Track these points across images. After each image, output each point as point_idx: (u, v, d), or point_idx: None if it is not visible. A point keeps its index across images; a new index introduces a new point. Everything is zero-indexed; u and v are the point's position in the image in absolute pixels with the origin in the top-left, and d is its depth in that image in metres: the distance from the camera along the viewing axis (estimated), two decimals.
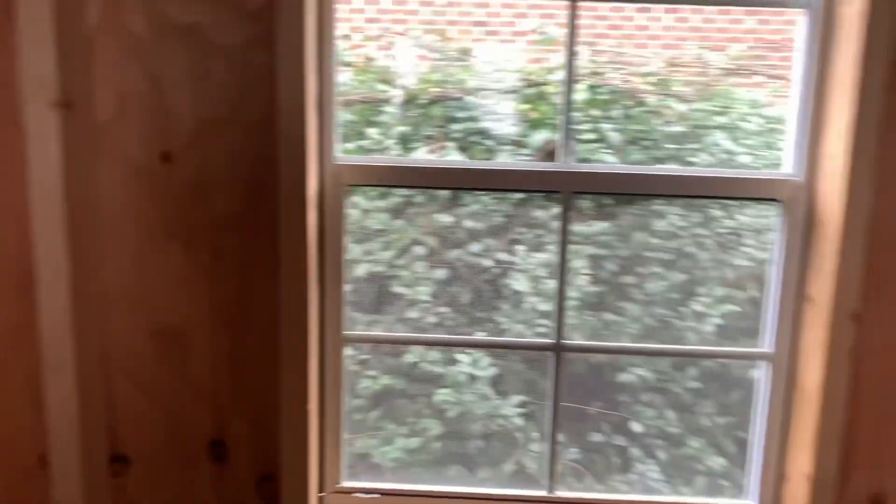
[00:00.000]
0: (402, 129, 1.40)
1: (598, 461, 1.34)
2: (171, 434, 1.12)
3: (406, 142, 1.38)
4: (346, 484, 1.22)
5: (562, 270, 1.17)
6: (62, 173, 0.96)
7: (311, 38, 1.01)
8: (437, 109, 1.47)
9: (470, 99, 1.41)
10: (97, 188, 1.03)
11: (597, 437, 1.33)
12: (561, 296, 1.18)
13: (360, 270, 1.45)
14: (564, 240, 1.16)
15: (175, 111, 1.04)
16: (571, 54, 1.11)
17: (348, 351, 1.22)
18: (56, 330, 0.99)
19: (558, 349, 1.20)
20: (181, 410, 1.11)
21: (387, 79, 1.52)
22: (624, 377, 1.31)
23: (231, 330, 1.09)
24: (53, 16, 0.93)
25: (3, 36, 0.99)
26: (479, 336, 1.29)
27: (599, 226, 1.28)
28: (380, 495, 1.23)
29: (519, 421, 1.34)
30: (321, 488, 1.20)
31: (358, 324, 1.29)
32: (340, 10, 1.11)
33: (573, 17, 1.11)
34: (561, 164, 1.16)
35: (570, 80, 1.13)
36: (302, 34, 0.98)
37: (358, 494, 1.21)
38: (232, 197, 1.06)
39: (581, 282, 1.28)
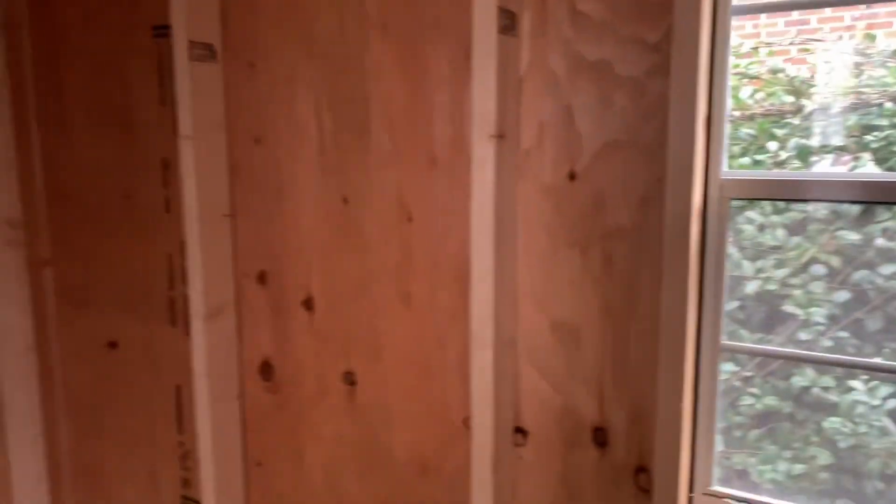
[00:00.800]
0: (806, 140, 1.37)
1: None
2: (562, 415, 1.30)
3: (810, 153, 1.34)
4: (717, 489, 1.25)
5: None
6: (493, 191, 1.21)
7: (703, 61, 1.08)
8: (852, 118, 1.39)
9: (892, 105, 1.30)
10: (517, 203, 1.27)
11: None
12: None
13: (751, 287, 1.44)
14: None
15: (581, 136, 1.22)
16: None
17: (730, 366, 1.24)
18: (482, 316, 1.25)
19: None
20: (571, 395, 1.28)
21: (795, 89, 1.49)
22: None
23: (617, 329, 1.22)
24: (497, 63, 1.18)
25: (463, 81, 1.29)
26: (881, 361, 1.18)
27: None
28: None
29: None
30: (691, 488, 1.25)
31: (744, 341, 1.30)
32: (746, 26, 1.15)
33: None
34: None
35: None
36: (695, 60, 1.06)
37: (729, 501, 1.23)
38: (624, 210, 1.19)
39: None
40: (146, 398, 1.92)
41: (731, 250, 1.83)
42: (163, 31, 1.72)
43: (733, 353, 1.26)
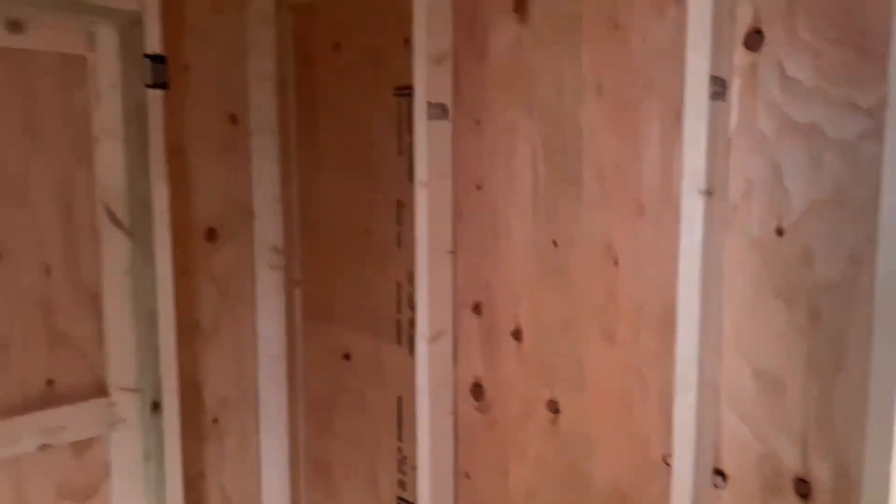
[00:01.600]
0: None
1: None
2: (763, 461, 1.34)
3: None
4: None
5: None
6: (701, 243, 1.29)
7: None
8: None
9: None
10: (723, 255, 1.34)
11: None
12: None
13: None
14: None
15: (789, 193, 1.27)
16: None
17: None
18: (686, 360, 1.33)
19: None
20: (773, 443, 1.32)
21: None
22: None
23: (822, 382, 1.25)
24: (707, 126, 1.28)
25: (672, 139, 1.40)
26: None
27: None
28: None
29: None
30: None
31: None
32: None
33: None
34: None
35: None
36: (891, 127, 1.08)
37: None
38: (833, 266, 1.22)
39: None
40: (371, 406, 2.21)
41: None
42: (403, 91, 2.01)
43: None
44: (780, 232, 1.28)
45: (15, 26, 1.77)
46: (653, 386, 1.50)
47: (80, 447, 1.96)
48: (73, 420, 1.91)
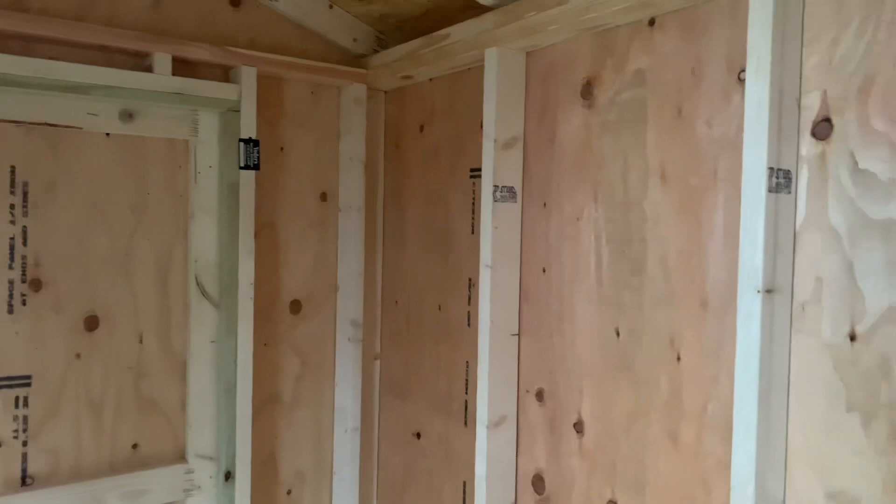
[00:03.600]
0: None
1: None
2: None
3: None
4: None
5: None
6: (759, 345, 1.19)
7: None
8: None
9: None
10: (788, 359, 1.23)
11: None
12: None
13: None
14: None
15: (864, 296, 1.14)
16: None
17: None
18: (743, 471, 1.21)
19: None
20: None
21: None
22: None
23: None
24: (765, 221, 1.19)
25: (738, 232, 1.32)
26: None
27: None
28: None
29: None
30: None
31: None
32: None
33: None
34: None
35: None
36: None
37: None
38: None
39: None
40: (440, 488, 2.17)
41: None
42: (477, 172, 2.04)
43: None
44: (853, 337, 1.16)
45: (128, 116, 1.98)
46: (717, 494, 1.37)
47: None
48: (153, 484, 2.01)
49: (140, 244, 2.02)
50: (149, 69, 1.93)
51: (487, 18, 1.79)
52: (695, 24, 1.43)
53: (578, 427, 1.68)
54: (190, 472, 2.07)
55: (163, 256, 2.06)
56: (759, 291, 1.19)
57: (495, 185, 1.81)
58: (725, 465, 1.35)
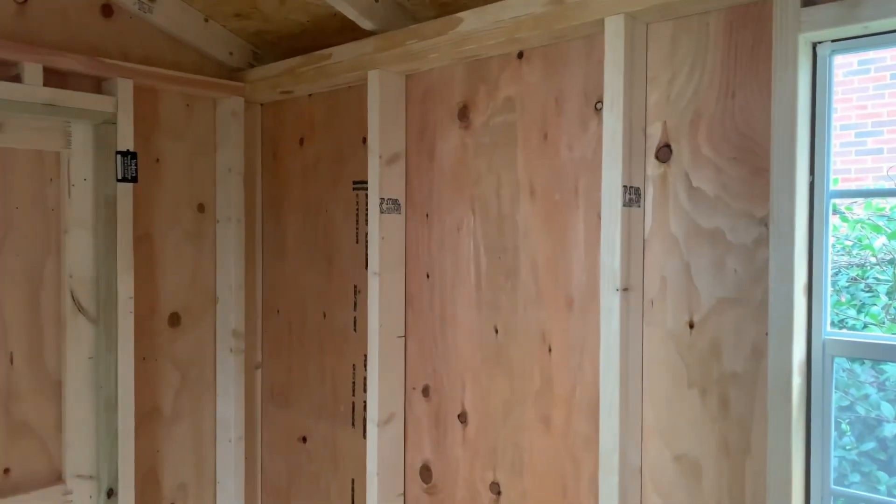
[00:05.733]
0: None
1: None
2: None
3: None
4: None
5: None
6: (619, 336, 1.41)
7: (801, 235, 1.24)
8: None
9: None
10: (641, 346, 1.46)
11: None
12: None
13: (888, 431, 1.49)
14: None
15: (699, 291, 1.40)
16: None
17: None
18: (609, 445, 1.43)
19: None
20: None
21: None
22: None
23: (734, 466, 1.35)
24: (622, 230, 1.42)
25: (597, 240, 1.54)
26: None
27: None
28: None
29: None
30: None
31: (882, 483, 1.35)
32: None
33: None
34: None
35: None
36: (791, 236, 1.23)
37: None
38: (738, 359, 1.34)
39: None
40: (326, 487, 2.25)
41: (870, 391, 1.84)
42: (360, 185, 2.15)
43: (847, 499, 1.31)
44: (691, 325, 1.41)
45: None
46: (585, 469, 1.59)
47: None
48: None
49: (8, 260, 1.93)
50: (16, 79, 1.86)
51: (369, 42, 1.91)
52: (557, 58, 1.64)
53: (462, 418, 1.85)
54: (68, 493, 2.01)
55: (34, 272, 1.98)
56: (617, 290, 1.41)
57: (381, 198, 1.93)
58: (591, 442, 1.57)
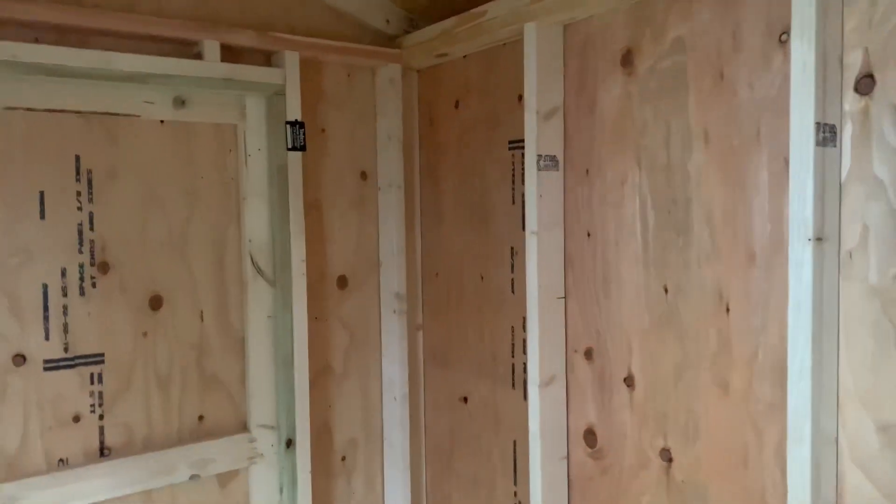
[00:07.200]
0: None
1: None
2: None
3: None
4: None
5: None
6: (811, 291, 1.27)
7: None
8: None
9: None
10: (837, 303, 1.30)
11: None
12: None
13: None
14: None
15: None
16: None
17: None
18: (799, 412, 1.29)
19: None
20: None
21: None
22: None
23: None
24: (814, 173, 1.27)
25: (781, 186, 1.39)
26: None
27: None
28: None
29: None
30: None
31: None
32: None
33: None
34: None
35: None
36: None
37: None
38: None
39: None
40: (488, 449, 2.27)
41: None
42: (516, 144, 2.11)
43: None
44: None
45: (180, 103, 2.06)
46: (769, 438, 1.46)
47: (225, 479, 2.16)
48: (219, 453, 2.12)
49: (196, 226, 2.11)
50: (198, 56, 2.00)
51: None
52: None
53: (629, 382, 1.77)
54: (253, 440, 2.18)
55: (218, 238, 2.15)
56: (809, 240, 1.26)
57: (538, 155, 1.88)
58: (776, 408, 1.44)
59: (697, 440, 1.61)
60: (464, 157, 2.32)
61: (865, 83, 1.28)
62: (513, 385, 2.16)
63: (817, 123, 1.25)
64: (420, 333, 2.56)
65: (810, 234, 1.26)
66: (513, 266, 2.15)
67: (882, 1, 1.25)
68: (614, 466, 1.82)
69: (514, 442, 2.17)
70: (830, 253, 1.30)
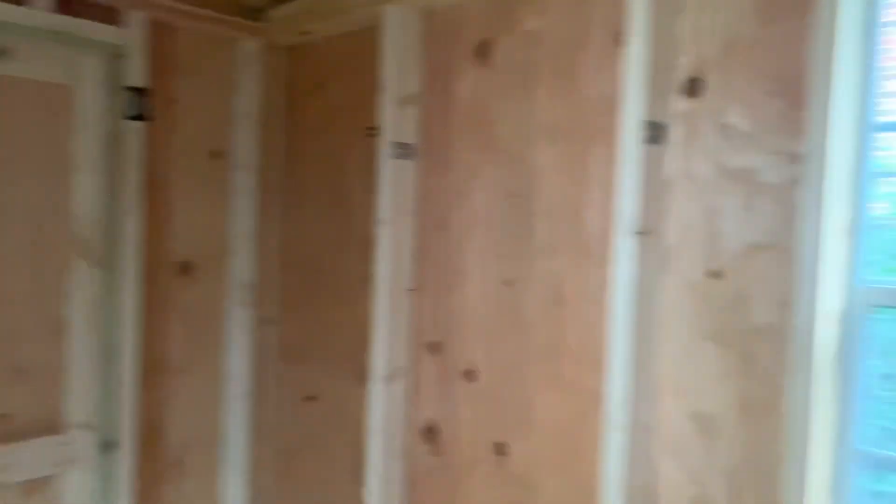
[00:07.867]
0: None
1: None
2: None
3: None
4: None
5: None
6: (632, 283, 1.29)
7: (838, 174, 1.10)
8: None
9: None
10: (658, 296, 1.33)
11: None
12: None
13: None
14: None
15: (724, 236, 1.26)
16: None
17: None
18: (618, 400, 1.31)
19: None
20: (707, 486, 1.28)
21: None
22: None
23: (757, 424, 1.22)
24: (640, 169, 1.29)
25: (608, 183, 1.41)
26: None
27: None
28: None
29: None
30: None
31: None
32: None
33: None
34: None
35: None
36: (823, 173, 1.09)
37: None
38: (766, 310, 1.21)
39: None
40: (336, 448, 2.18)
41: None
42: (375, 131, 2.05)
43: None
44: (715, 274, 1.28)
45: (1, 53, 1.84)
46: (597, 428, 1.47)
47: (31, 487, 1.89)
48: (25, 458, 1.85)
49: (10, 197, 1.88)
50: (24, 2, 1.80)
51: None
52: None
53: (470, 376, 1.74)
54: (66, 443, 1.94)
55: (39, 212, 1.93)
56: (633, 233, 1.28)
57: (392, 142, 1.83)
58: (601, 399, 1.45)
59: (532, 433, 1.60)
60: (326, 141, 2.24)
61: (693, 85, 1.32)
62: (364, 382, 2.09)
63: (645, 121, 1.28)
64: (272, 327, 2.44)
65: (635, 227, 1.28)
66: (369, 258, 2.08)
67: (712, 9, 1.30)
68: (453, 461, 1.79)
69: (364, 441, 2.09)
70: (653, 247, 1.32)
